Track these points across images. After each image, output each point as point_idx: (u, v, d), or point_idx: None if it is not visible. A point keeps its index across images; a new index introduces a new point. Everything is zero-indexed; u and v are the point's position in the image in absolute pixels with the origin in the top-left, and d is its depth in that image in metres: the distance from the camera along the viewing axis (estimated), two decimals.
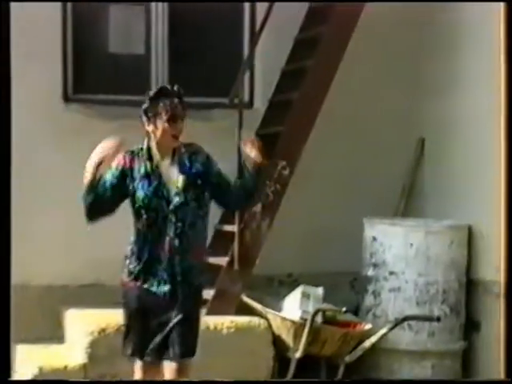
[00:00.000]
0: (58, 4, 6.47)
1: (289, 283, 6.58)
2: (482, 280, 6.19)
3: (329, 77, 6.21)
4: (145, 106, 4.25)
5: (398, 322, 5.48)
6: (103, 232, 6.39)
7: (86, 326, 5.57)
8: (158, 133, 4.21)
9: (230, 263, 5.96)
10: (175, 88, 4.23)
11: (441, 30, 6.70)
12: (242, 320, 5.74)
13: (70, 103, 6.57)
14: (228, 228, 6.12)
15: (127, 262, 4.29)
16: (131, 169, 4.25)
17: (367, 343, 5.48)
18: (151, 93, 4.26)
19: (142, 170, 4.24)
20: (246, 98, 6.79)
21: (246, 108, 6.42)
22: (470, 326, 6.24)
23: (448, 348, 6.14)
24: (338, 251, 6.58)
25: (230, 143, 6.00)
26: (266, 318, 5.77)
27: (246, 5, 6.86)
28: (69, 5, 6.56)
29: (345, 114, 6.74)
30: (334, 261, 6.61)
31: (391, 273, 6.12)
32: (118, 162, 4.28)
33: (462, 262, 6.20)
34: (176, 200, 4.21)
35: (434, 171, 6.81)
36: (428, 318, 5.88)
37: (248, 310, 5.84)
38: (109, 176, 4.26)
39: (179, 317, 4.20)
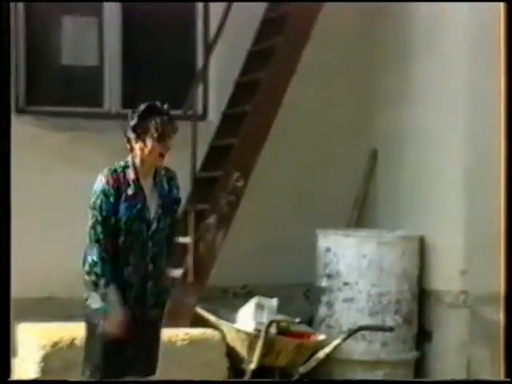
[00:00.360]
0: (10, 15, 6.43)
1: (243, 295, 6.58)
2: (433, 290, 6.25)
3: (282, 88, 6.24)
4: (133, 122, 4.13)
5: (351, 333, 5.51)
6: (56, 245, 6.36)
7: (38, 340, 5.51)
8: (146, 150, 4.11)
9: (185, 275, 5.95)
10: (165, 106, 4.17)
11: (392, 42, 6.76)
12: (197, 332, 5.73)
13: (21, 115, 6.52)
14: (182, 240, 6.11)
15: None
16: (119, 189, 4.11)
17: (321, 354, 5.50)
18: (140, 110, 4.15)
19: (130, 191, 4.12)
20: (200, 109, 6.80)
21: (199, 120, 6.43)
22: (422, 336, 6.30)
23: (400, 358, 6.18)
24: (292, 262, 6.61)
25: (184, 155, 6.00)
26: (221, 330, 5.76)
27: (200, 16, 6.88)
28: (21, 16, 6.52)
29: (298, 126, 6.78)
30: (288, 272, 6.63)
31: (345, 283, 6.16)
32: (107, 183, 4.11)
33: (414, 273, 6.25)
34: (155, 224, 4.15)
35: (386, 182, 6.86)
36: (381, 328, 5.93)
37: (202, 322, 5.84)
38: (108, 211, 4.09)
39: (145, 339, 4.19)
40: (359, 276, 6.12)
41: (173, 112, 6.39)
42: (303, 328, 6.01)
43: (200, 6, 6.88)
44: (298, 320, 5.56)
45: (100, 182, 4.12)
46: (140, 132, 4.11)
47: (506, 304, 4.21)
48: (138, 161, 4.15)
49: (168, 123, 4.13)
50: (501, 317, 4.00)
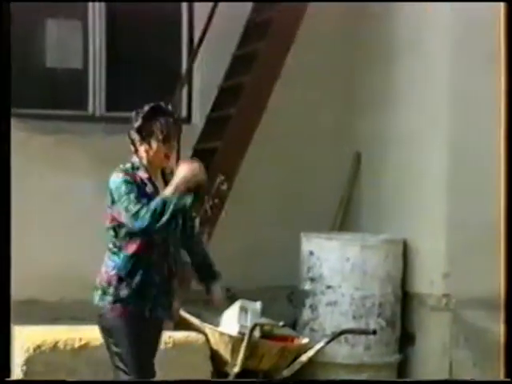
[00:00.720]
0: None
1: (227, 298, 6.58)
2: (416, 293, 6.28)
3: (266, 92, 6.26)
4: (138, 124, 4.04)
5: (334, 336, 5.51)
6: (42, 248, 6.35)
7: (21, 343, 5.50)
8: (151, 152, 4.04)
9: None
10: (169, 107, 4.14)
11: (376, 42, 6.76)
12: (180, 335, 5.73)
13: None
14: None
15: (111, 289, 4.05)
16: (137, 183, 4.02)
17: (304, 357, 5.50)
18: (144, 111, 4.06)
19: (149, 189, 4.03)
20: (184, 113, 6.81)
21: (184, 123, 6.43)
22: (405, 339, 6.32)
23: (384, 361, 6.20)
24: (275, 266, 6.62)
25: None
26: (204, 333, 5.76)
27: (184, 19, 6.89)
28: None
29: (282, 129, 6.80)
30: (272, 275, 6.65)
31: (328, 287, 6.18)
32: (125, 175, 4.00)
33: (397, 276, 6.28)
34: (173, 221, 4.04)
35: (370, 186, 6.89)
36: (364, 332, 5.94)
37: (186, 325, 5.84)
38: (137, 193, 3.95)
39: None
40: (342, 279, 6.14)
41: None
42: (287, 331, 6.00)
43: (185, 9, 6.89)
44: (281, 323, 5.56)
45: (117, 177, 4.01)
46: (145, 134, 4.04)
47: (506, 306, 4.23)
48: (144, 163, 4.08)
49: (173, 124, 4.07)
50: (501, 318, 4.03)
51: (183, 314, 5.88)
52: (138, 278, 4.04)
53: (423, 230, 6.25)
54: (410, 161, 6.41)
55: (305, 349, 5.66)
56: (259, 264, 6.67)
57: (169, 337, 5.67)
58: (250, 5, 6.80)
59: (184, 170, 3.95)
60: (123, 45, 6.82)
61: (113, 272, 4.06)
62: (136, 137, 4.07)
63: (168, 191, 3.93)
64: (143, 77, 6.81)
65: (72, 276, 6.28)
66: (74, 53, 6.76)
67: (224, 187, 6.14)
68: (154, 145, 4.04)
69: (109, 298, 4.06)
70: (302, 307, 6.31)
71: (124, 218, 3.94)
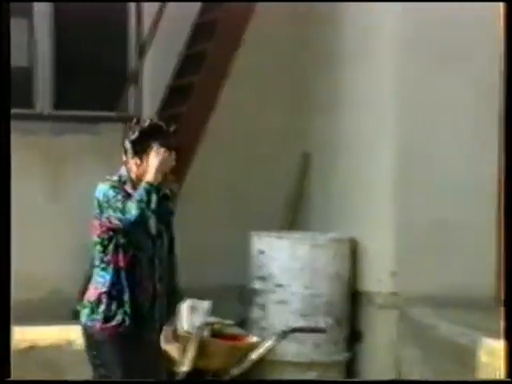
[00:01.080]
0: None
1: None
2: (365, 292, 6.33)
3: (214, 92, 6.27)
4: (134, 137, 3.96)
5: (285, 334, 5.54)
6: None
7: None
8: (142, 167, 3.95)
9: None
10: (170, 128, 4.04)
11: (324, 42, 6.79)
12: None
13: None
14: None
15: (101, 307, 3.91)
16: (124, 193, 3.92)
17: (254, 355, 5.51)
18: (143, 126, 3.97)
19: None
20: (133, 111, 6.77)
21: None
22: (354, 337, 6.37)
23: (332, 359, 6.24)
24: (224, 264, 6.62)
25: (118, 157, 5.97)
26: None
27: (132, 17, 6.85)
28: None
29: (230, 128, 6.80)
30: (221, 274, 6.64)
31: (278, 285, 6.20)
32: (112, 182, 3.93)
33: (346, 275, 6.32)
34: (159, 240, 4.03)
35: (319, 185, 6.93)
36: (315, 330, 5.97)
37: None
38: (123, 196, 3.87)
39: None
40: (292, 278, 6.16)
41: (106, 114, 6.45)
42: (236, 330, 6.00)
43: (133, 8, 6.86)
44: (231, 322, 5.57)
45: (104, 185, 3.92)
46: (139, 148, 3.95)
47: (505, 306, 4.29)
48: (133, 176, 3.98)
49: (167, 143, 3.97)
50: (501, 316, 4.10)
51: None
52: (128, 295, 3.93)
53: (371, 229, 6.31)
54: (359, 161, 6.46)
55: (254, 347, 5.68)
56: (208, 263, 6.66)
57: None
58: (198, 4, 6.79)
59: (156, 158, 3.92)
60: (71, 42, 6.75)
61: (103, 289, 3.92)
62: (129, 148, 3.98)
63: (147, 180, 3.87)
64: (91, 75, 6.76)
65: (19, 276, 6.21)
66: (20, 51, 6.67)
67: (174, 187, 6.12)
68: (145, 161, 3.95)
69: (98, 317, 3.92)
70: (251, 306, 6.32)
71: (114, 219, 3.84)
